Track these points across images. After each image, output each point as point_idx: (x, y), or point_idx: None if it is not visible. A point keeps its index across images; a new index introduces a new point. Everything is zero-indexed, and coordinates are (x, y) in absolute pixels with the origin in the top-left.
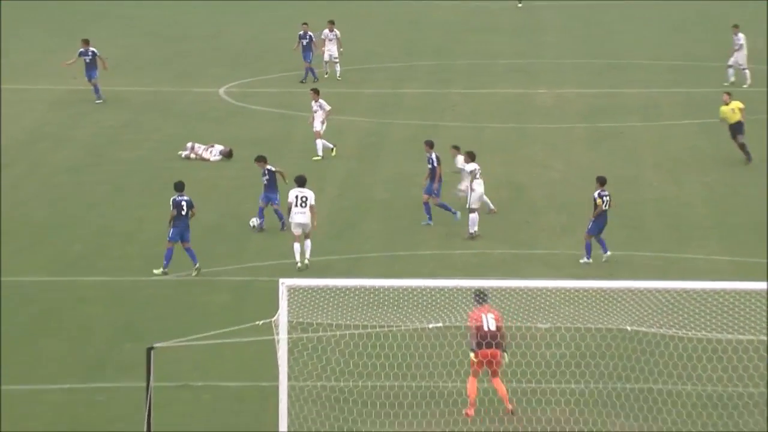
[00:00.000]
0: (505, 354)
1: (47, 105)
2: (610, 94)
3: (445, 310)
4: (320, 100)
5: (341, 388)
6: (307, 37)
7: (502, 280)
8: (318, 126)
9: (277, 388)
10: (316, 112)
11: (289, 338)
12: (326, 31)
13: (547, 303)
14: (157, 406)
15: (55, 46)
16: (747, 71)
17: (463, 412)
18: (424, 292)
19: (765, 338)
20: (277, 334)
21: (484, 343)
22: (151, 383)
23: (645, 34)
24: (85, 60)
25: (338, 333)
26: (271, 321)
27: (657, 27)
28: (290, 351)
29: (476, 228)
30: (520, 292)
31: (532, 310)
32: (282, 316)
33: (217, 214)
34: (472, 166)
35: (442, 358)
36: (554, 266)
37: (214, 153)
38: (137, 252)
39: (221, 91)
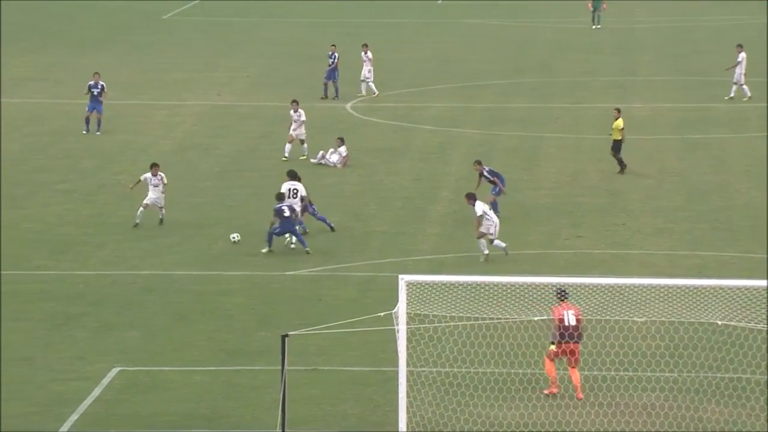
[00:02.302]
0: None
1: (196, 118)
2: (701, 108)
3: (549, 305)
4: (300, 110)
5: (455, 374)
6: (334, 57)
7: (601, 277)
8: (297, 133)
9: (396, 373)
10: (296, 121)
11: (407, 328)
12: (362, 53)
13: (643, 299)
14: (289, 387)
15: (202, 66)
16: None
17: (545, 391)
18: (529, 288)
19: None
20: (397, 324)
21: (566, 335)
22: (285, 367)
23: (732, 53)
24: (93, 92)
25: (452, 324)
26: (391, 313)
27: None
28: (409, 340)
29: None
30: (618, 289)
31: (628, 305)
32: (401, 308)
33: (342, 216)
34: (480, 208)
35: (546, 347)
36: (649, 265)
37: (337, 156)
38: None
39: (348, 106)
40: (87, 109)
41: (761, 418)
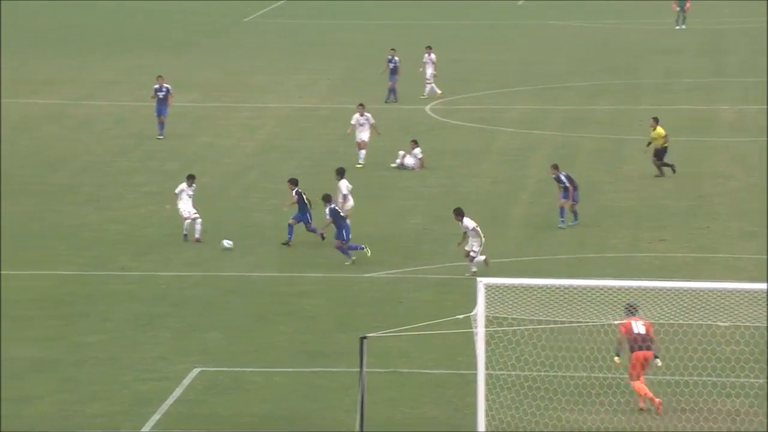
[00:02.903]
0: (657, 359)
1: (277, 121)
2: None
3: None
4: (366, 114)
5: (534, 378)
6: (394, 61)
7: (684, 281)
8: (365, 137)
9: (475, 376)
10: (362, 125)
11: (486, 331)
12: (425, 55)
13: (727, 303)
14: (368, 389)
15: (284, 68)
16: None
17: (641, 405)
18: (610, 292)
19: None
20: (476, 327)
21: (636, 346)
22: (364, 369)
23: None
24: (158, 95)
25: (531, 327)
26: (470, 315)
27: None
28: (487, 343)
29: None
30: (701, 293)
31: (712, 309)
32: (480, 311)
33: (421, 218)
34: (470, 223)
35: (626, 352)
36: (734, 269)
37: (412, 158)
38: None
39: (427, 108)
40: (155, 113)
41: None
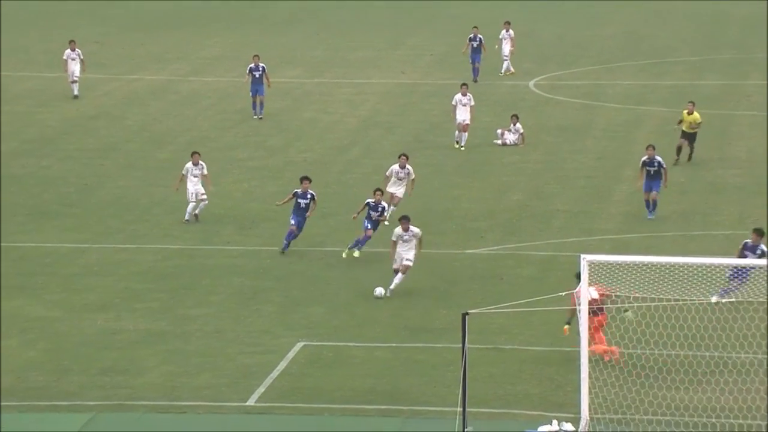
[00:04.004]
0: (628, 311)
1: (379, 96)
2: None
3: (739, 286)
4: (469, 94)
5: (638, 356)
6: (477, 39)
7: None
8: (467, 118)
9: (578, 353)
10: (465, 105)
11: (589, 308)
12: (503, 31)
13: None
14: (470, 365)
15: (387, 44)
16: None
17: (606, 359)
18: (716, 270)
19: None
20: (579, 304)
21: (590, 311)
22: (466, 345)
23: None
24: (254, 75)
25: (635, 305)
26: (573, 292)
27: None
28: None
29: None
30: None
31: None
32: (583, 288)
33: (523, 194)
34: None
35: (735, 330)
36: None
37: (513, 134)
38: (454, 227)
39: (531, 83)
40: (250, 93)
41: None
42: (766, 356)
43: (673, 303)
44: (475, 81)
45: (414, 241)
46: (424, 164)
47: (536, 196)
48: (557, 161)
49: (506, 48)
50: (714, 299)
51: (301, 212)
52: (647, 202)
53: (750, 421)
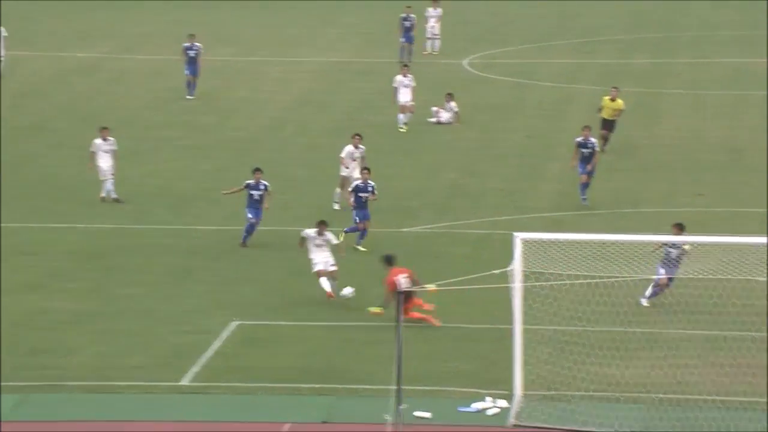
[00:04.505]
0: (432, 286)
1: (312, 75)
2: None
3: (668, 262)
4: (410, 75)
5: (571, 333)
6: (410, 19)
7: (722, 236)
8: (409, 99)
9: (512, 331)
10: (407, 87)
11: (523, 286)
12: (430, 9)
13: (764, 258)
14: (404, 343)
15: (319, 22)
16: None
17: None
18: (647, 247)
19: None
20: (513, 282)
21: (406, 294)
22: (400, 323)
23: None
24: (188, 54)
25: (568, 282)
26: (507, 270)
27: None
28: (525, 297)
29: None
30: (739, 248)
31: (749, 264)
32: (517, 266)
33: (456, 173)
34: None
35: (666, 306)
36: None
37: (447, 112)
38: (388, 206)
39: (465, 62)
40: (185, 72)
41: None
42: (695, 331)
43: (605, 280)
44: (408, 60)
45: (326, 246)
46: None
47: (470, 175)
48: (490, 140)
49: (434, 26)
50: (644, 302)
51: (255, 204)
52: (582, 184)
53: (680, 396)
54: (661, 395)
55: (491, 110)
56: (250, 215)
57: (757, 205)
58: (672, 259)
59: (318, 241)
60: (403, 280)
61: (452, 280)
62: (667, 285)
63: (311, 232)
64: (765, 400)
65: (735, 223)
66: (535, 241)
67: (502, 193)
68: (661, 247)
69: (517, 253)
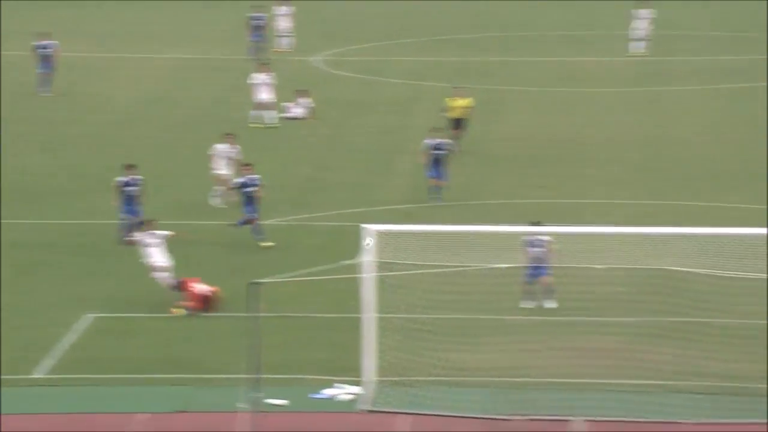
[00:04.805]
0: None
1: (165, 71)
2: (657, 62)
3: (512, 252)
4: (272, 73)
5: (422, 321)
6: (261, 18)
7: (563, 226)
8: (266, 97)
9: (364, 319)
10: (268, 84)
11: (374, 276)
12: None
13: (604, 247)
14: (260, 334)
15: (174, 18)
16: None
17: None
18: (494, 237)
19: None
20: (364, 272)
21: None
22: (255, 314)
23: (691, 7)
24: (39, 52)
25: (417, 272)
26: (359, 261)
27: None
28: (375, 287)
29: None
30: (579, 237)
31: (590, 253)
32: (368, 257)
33: (310, 167)
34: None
35: (511, 294)
36: (609, 215)
37: (300, 108)
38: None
39: (317, 59)
40: (38, 70)
41: (710, 358)
42: (539, 317)
43: (453, 269)
44: (261, 58)
45: (160, 242)
46: (212, 139)
47: (324, 169)
48: (343, 135)
49: (285, 24)
50: (548, 305)
51: (131, 200)
52: (433, 187)
53: (526, 379)
54: (506, 378)
55: (343, 106)
56: (127, 214)
57: (595, 196)
58: (539, 257)
59: (149, 240)
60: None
61: (306, 271)
62: (548, 283)
63: (142, 233)
64: (604, 381)
65: (575, 213)
66: (386, 233)
67: (354, 187)
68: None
69: (369, 244)
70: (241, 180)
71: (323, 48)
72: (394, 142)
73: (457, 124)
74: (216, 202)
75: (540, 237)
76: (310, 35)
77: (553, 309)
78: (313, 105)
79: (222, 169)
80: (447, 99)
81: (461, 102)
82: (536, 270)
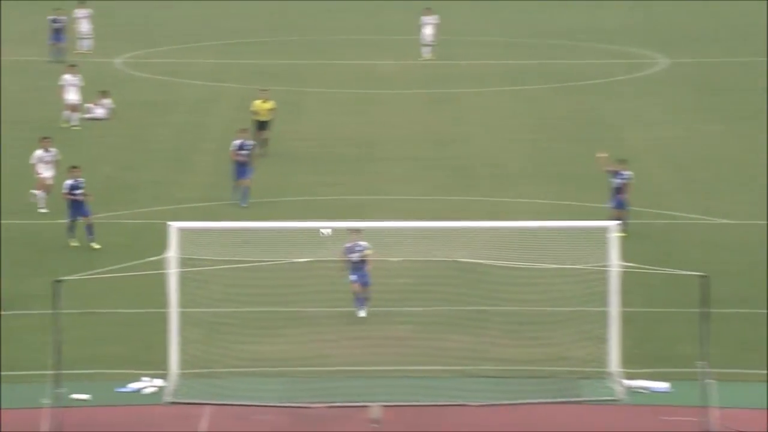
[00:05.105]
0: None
1: None
2: (445, 65)
3: (311, 246)
4: (78, 75)
5: (222, 314)
6: (59, 21)
7: (360, 221)
8: (76, 98)
9: (167, 314)
10: (74, 85)
11: (178, 272)
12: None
13: (396, 241)
14: (64, 330)
15: None
16: (432, 47)
17: None
18: (293, 232)
19: (571, 266)
20: (168, 268)
21: None
22: (58, 311)
23: (475, 12)
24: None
25: (219, 267)
26: (162, 258)
27: (486, 6)
28: (179, 282)
29: None
30: (373, 232)
31: (384, 246)
32: (171, 253)
33: (112, 167)
34: None
35: (309, 287)
36: (400, 210)
37: (102, 108)
38: (47, 200)
39: (117, 61)
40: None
41: (499, 345)
42: (333, 309)
43: (254, 264)
44: (60, 61)
45: None
46: (12, 140)
47: (126, 168)
48: (145, 135)
49: (86, 26)
50: (361, 313)
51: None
52: (239, 188)
53: (324, 368)
54: (305, 368)
55: (144, 107)
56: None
57: (388, 192)
58: (356, 262)
59: None
60: None
61: (110, 268)
62: (362, 289)
63: None
64: (399, 368)
65: (369, 210)
66: (188, 230)
67: (156, 185)
68: (346, 258)
69: (173, 241)
70: (69, 182)
71: (123, 50)
72: (194, 141)
73: (262, 126)
74: (38, 203)
75: (359, 243)
76: (110, 38)
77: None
78: (113, 106)
79: (44, 173)
80: (254, 101)
81: (266, 105)
82: (357, 277)
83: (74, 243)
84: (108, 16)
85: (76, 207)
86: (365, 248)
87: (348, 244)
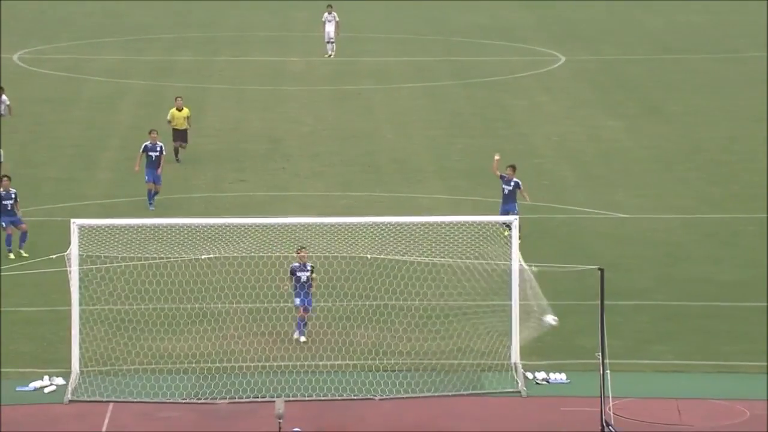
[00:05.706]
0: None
1: None
2: (350, 62)
3: (216, 243)
4: None
5: (126, 311)
6: None
7: (261, 218)
8: None
9: (69, 312)
10: None
11: (80, 269)
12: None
13: (301, 237)
14: None
15: None
16: (334, 44)
17: None
18: (196, 229)
19: (473, 261)
20: (70, 266)
21: None
22: None
23: (379, 10)
24: None
25: (123, 264)
26: (64, 255)
27: (391, 6)
28: (81, 280)
29: None
30: (279, 228)
31: (288, 242)
32: (74, 250)
33: (13, 163)
34: None
35: (213, 283)
36: (306, 206)
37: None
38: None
39: (15, 57)
40: None
41: (403, 338)
42: (240, 305)
43: (158, 261)
44: None
45: None
46: None
47: (26, 165)
48: (46, 131)
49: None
50: (302, 339)
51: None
52: (150, 192)
53: (229, 364)
54: (210, 365)
55: (45, 103)
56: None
57: (292, 189)
58: (302, 283)
59: None
60: None
61: (10, 266)
62: (306, 312)
63: None
64: (305, 363)
65: (274, 206)
66: (90, 227)
67: (58, 182)
68: (291, 278)
69: (74, 239)
70: (2, 192)
71: (20, 46)
72: (97, 138)
73: (179, 134)
74: None
75: (307, 264)
76: (6, 33)
77: (250, 296)
78: (8, 103)
79: None
80: (171, 110)
81: (182, 113)
82: (300, 301)
83: (25, 253)
84: (2, 10)
85: (6, 216)
86: (311, 269)
87: (295, 264)
